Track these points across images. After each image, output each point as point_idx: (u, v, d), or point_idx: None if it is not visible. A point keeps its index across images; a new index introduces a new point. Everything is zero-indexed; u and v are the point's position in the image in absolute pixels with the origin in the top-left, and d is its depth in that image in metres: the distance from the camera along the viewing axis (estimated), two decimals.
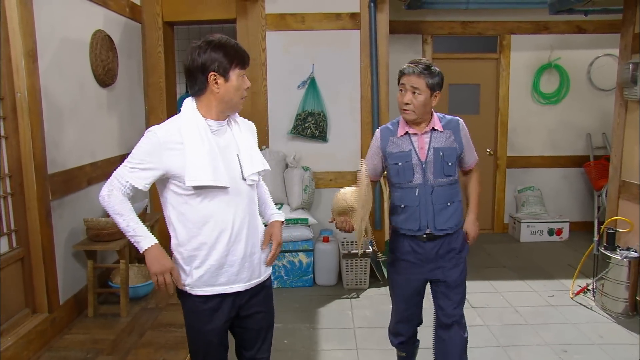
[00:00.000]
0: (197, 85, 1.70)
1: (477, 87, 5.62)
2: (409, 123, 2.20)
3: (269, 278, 1.94)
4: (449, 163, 2.18)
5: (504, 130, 5.57)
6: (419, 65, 2.12)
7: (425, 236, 2.21)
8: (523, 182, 5.64)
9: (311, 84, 4.26)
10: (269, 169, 1.87)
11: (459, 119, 2.27)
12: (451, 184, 2.21)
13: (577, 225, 5.56)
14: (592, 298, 3.71)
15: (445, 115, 2.27)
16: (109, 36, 3.78)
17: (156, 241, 1.70)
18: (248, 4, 4.20)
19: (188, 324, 1.82)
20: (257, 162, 1.81)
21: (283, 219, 1.97)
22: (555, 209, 5.61)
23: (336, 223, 2.10)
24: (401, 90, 2.17)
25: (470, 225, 2.32)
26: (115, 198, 1.67)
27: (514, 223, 5.49)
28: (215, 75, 1.67)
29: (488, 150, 5.63)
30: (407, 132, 2.20)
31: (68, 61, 3.30)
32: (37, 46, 2.92)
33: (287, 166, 4.26)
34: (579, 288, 3.81)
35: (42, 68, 2.98)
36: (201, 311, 1.76)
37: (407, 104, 2.13)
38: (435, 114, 2.23)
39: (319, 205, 4.39)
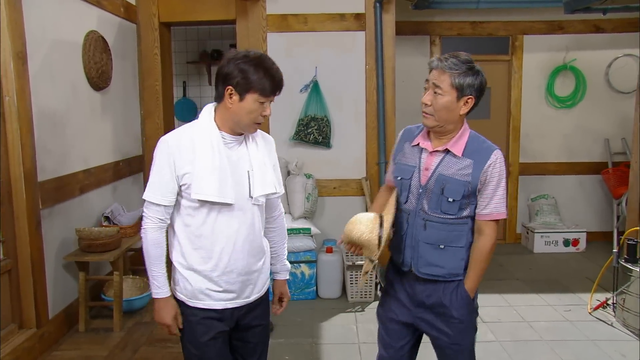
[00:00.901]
0: (217, 92, 1.72)
1: (488, 91, 5.54)
2: (429, 133, 1.85)
3: (267, 290, 1.96)
4: (450, 199, 1.76)
5: (516, 135, 5.54)
6: (449, 59, 1.74)
7: (415, 274, 1.87)
8: (536, 190, 5.58)
9: (314, 88, 4.24)
10: (281, 192, 1.86)
11: (496, 151, 1.80)
12: (451, 224, 1.80)
13: (595, 236, 5.49)
14: (613, 313, 3.64)
15: (485, 141, 1.83)
16: (102, 37, 3.78)
17: (167, 294, 1.77)
18: (248, 4, 4.19)
19: (184, 335, 1.82)
20: (268, 183, 1.79)
21: (288, 276, 2.05)
22: (571, 219, 5.55)
23: (344, 245, 1.88)
24: (425, 87, 1.81)
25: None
26: (150, 235, 1.73)
27: (527, 233, 5.44)
28: (231, 90, 1.66)
29: None
30: (419, 144, 1.86)
31: (60, 63, 3.29)
32: (26, 48, 2.91)
33: (289, 173, 4.24)
34: (598, 302, 3.75)
35: (32, 70, 2.97)
36: (199, 321, 1.78)
37: (426, 104, 1.77)
38: (469, 131, 1.84)
39: (322, 214, 4.36)
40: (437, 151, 1.81)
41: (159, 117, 4.38)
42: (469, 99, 1.75)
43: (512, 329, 3.47)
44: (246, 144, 1.78)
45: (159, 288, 1.74)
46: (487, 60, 5.53)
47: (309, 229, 4.04)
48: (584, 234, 5.28)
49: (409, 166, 1.86)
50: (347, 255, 4.11)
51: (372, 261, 1.81)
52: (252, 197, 1.76)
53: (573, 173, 5.55)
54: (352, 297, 3.97)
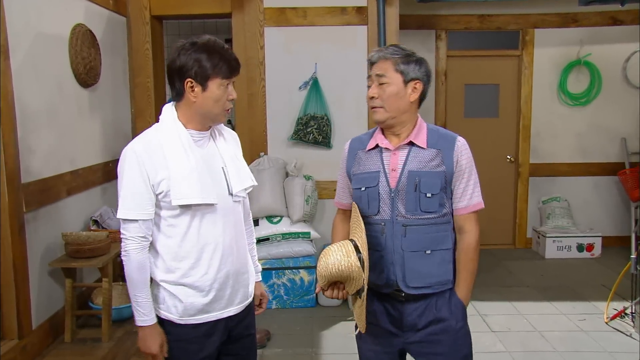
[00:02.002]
0: (175, 90, 1.68)
1: (497, 88, 5.58)
2: (383, 131, 1.78)
3: (253, 296, 1.95)
4: (429, 195, 1.70)
5: (527, 134, 5.51)
6: (388, 47, 1.75)
7: (402, 295, 1.75)
8: (548, 192, 5.56)
9: (314, 85, 4.23)
10: (256, 184, 1.86)
11: (459, 137, 1.77)
12: (434, 224, 1.73)
13: (611, 241, 5.45)
14: (631, 323, 3.60)
15: (440, 129, 1.81)
16: (90, 31, 3.76)
17: (154, 322, 1.70)
18: None
19: (175, 355, 1.75)
20: (245, 176, 1.79)
21: (261, 278, 2.02)
22: (585, 222, 5.52)
23: (324, 291, 1.69)
24: (368, 85, 1.77)
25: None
26: (134, 258, 1.65)
27: (538, 237, 5.40)
28: (192, 82, 1.63)
29: (508, 157, 5.60)
30: (377, 145, 1.78)
31: (44, 59, 3.27)
32: (8, 42, 2.88)
33: (287, 175, 4.23)
34: (615, 312, 3.70)
35: (14, 66, 2.94)
36: (192, 339, 1.73)
37: (373, 97, 1.73)
38: (425, 123, 1.80)
39: (322, 218, 4.34)
40: (400, 147, 1.75)
41: (151, 115, 4.36)
42: (416, 84, 1.73)
43: (523, 339, 3.44)
44: (214, 140, 1.77)
45: (145, 315, 1.67)
46: (495, 55, 5.53)
47: (309, 233, 4.02)
48: (599, 238, 5.24)
49: (371, 172, 1.77)
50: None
51: (359, 293, 1.64)
52: (232, 195, 1.74)
53: (587, 174, 5.52)
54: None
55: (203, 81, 1.62)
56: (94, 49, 3.81)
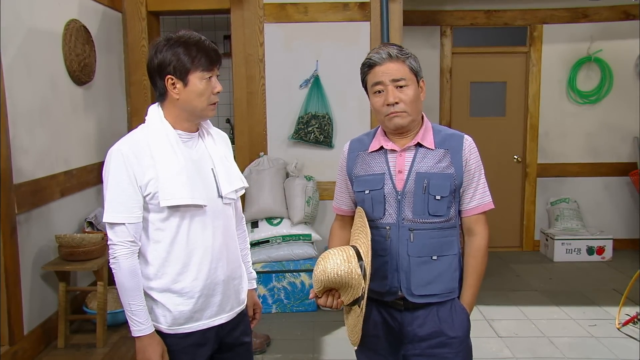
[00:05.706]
0: (157, 89, 1.67)
1: (504, 86, 5.57)
2: (394, 133, 1.74)
3: (246, 303, 1.93)
4: (438, 197, 1.68)
5: (534, 134, 5.51)
6: (389, 48, 1.69)
7: (401, 302, 1.73)
8: (557, 193, 5.55)
9: (315, 83, 4.24)
10: (247, 185, 1.84)
11: (466, 135, 1.76)
12: (442, 228, 1.71)
13: (622, 243, 5.43)
14: None
15: (445, 128, 1.80)
16: (84, 27, 3.75)
17: (152, 330, 1.67)
18: None
19: None
20: (234, 178, 1.77)
21: (256, 285, 2.01)
22: (595, 224, 5.50)
23: (317, 298, 1.66)
24: (378, 91, 1.69)
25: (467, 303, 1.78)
26: (124, 264, 1.62)
27: (547, 240, 5.39)
28: (172, 78, 1.62)
29: (516, 157, 5.59)
30: (382, 147, 1.75)
31: (37, 55, 3.25)
32: None
33: (287, 175, 4.24)
34: (627, 317, 3.68)
35: (6, 63, 2.92)
36: (182, 349, 1.72)
37: (396, 103, 1.66)
38: (429, 122, 1.79)
39: (323, 220, 4.34)
40: (407, 149, 1.73)
41: None
42: (422, 82, 1.74)
43: (531, 344, 3.43)
44: (203, 141, 1.75)
45: (142, 324, 1.63)
46: (502, 52, 5.53)
47: (310, 235, 4.02)
48: (610, 241, 5.22)
49: (375, 174, 1.74)
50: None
51: (357, 303, 1.60)
52: (221, 197, 1.72)
53: (598, 175, 5.51)
54: None
55: (183, 76, 1.61)
56: (89, 46, 3.79)
